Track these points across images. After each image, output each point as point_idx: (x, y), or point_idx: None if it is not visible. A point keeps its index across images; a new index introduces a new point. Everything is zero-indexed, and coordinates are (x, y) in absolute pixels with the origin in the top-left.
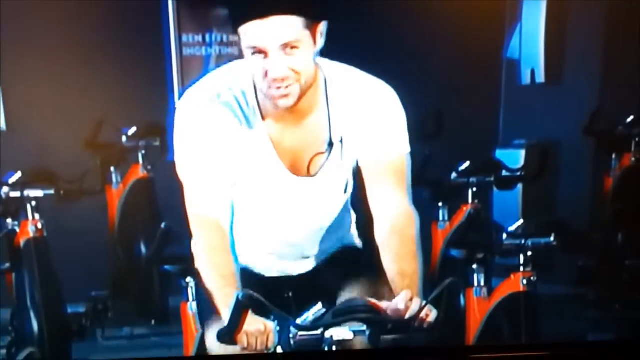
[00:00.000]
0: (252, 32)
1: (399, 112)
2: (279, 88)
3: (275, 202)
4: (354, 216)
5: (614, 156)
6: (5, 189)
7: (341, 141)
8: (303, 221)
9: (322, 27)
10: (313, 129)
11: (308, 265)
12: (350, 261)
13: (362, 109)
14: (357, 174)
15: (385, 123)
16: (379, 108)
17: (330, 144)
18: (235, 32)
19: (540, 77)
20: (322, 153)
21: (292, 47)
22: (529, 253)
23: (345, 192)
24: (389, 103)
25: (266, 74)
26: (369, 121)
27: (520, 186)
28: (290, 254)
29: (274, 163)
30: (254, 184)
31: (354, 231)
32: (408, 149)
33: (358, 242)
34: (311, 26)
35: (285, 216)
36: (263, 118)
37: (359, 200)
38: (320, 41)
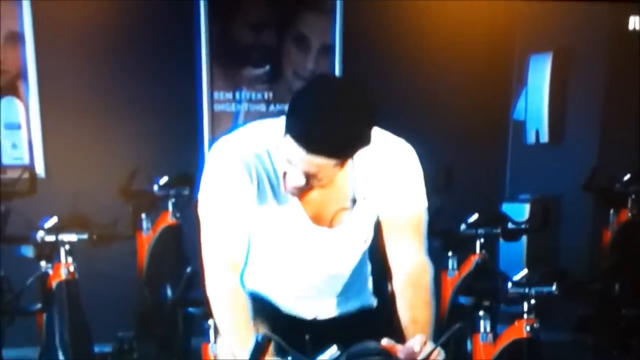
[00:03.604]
0: (294, 152)
1: (418, 170)
2: (294, 188)
3: (296, 249)
4: (369, 266)
5: (611, 211)
6: (41, 233)
7: (364, 199)
8: (322, 268)
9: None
10: (338, 185)
11: (326, 313)
12: (366, 321)
13: (384, 168)
14: (377, 226)
15: (406, 181)
16: (400, 167)
17: (354, 201)
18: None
19: (544, 137)
20: (346, 209)
21: (318, 179)
22: (532, 301)
23: (365, 242)
24: (409, 162)
25: (284, 174)
26: (390, 180)
27: (524, 238)
28: (309, 295)
29: (297, 214)
30: (275, 231)
31: (370, 286)
32: (426, 204)
33: (374, 302)
34: (343, 165)
35: (305, 262)
36: None
37: (375, 250)
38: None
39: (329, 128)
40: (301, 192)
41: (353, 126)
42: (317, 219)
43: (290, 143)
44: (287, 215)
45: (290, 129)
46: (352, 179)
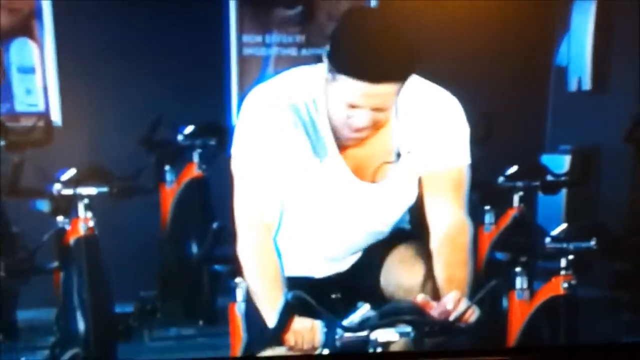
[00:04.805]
0: (356, 91)
1: (463, 124)
2: (355, 131)
3: (336, 206)
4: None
5: None
6: (58, 186)
7: (409, 152)
8: (362, 226)
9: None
10: (381, 138)
11: (355, 258)
12: (394, 240)
13: (428, 121)
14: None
15: (450, 135)
16: (444, 120)
17: (398, 155)
18: (331, 69)
19: (587, 85)
20: (390, 162)
21: (382, 110)
22: (570, 257)
23: (409, 199)
24: (454, 115)
25: (348, 118)
26: (434, 133)
27: (564, 191)
28: (343, 255)
29: (339, 167)
30: (315, 187)
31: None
32: (469, 160)
33: (407, 226)
34: (400, 92)
35: (345, 220)
36: (331, 125)
37: (414, 206)
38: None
39: (385, 51)
40: (363, 134)
41: (404, 43)
42: (359, 173)
43: (347, 83)
44: (328, 169)
45: (344, 68)
46: (396, 132)
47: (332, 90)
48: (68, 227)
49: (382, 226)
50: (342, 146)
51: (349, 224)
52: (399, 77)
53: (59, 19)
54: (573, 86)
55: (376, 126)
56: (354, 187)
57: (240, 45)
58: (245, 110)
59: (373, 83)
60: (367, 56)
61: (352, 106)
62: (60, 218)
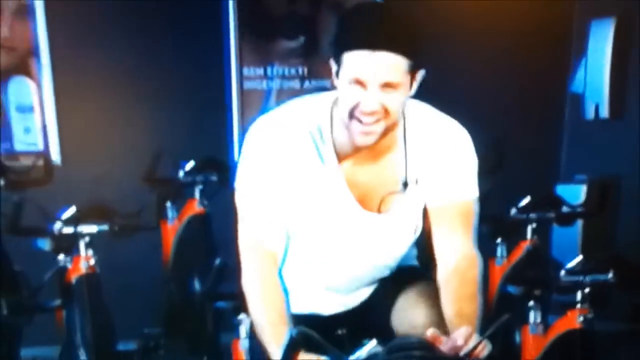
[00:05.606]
0: (359, 62)
1: (472, 156)
2: (365, 124)
3: (341, 236)
4: (415, 252)
5: None
6: (59, 224)
7: (416, 182)
8: (368, 258)
9: (420, 75)
10: (388, 167)
11: (364, 294)
12: (406, 278)
13: (437, 151)
14: (424, 214)
15: (458, 167)
16: (454, 151)
17: (405, 184)
18: (336, 57)
19: (604, 112)
20: (396, 192)
21: (391, 87)
22: (587, 290)
23: (415, 231)
24: (463, 147)
25: (357, 105)
26: (442, 164)
27: (580, 222)
28: (349, 288)
29: (344, 196)
30: (319, 217)
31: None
32: (477, 193)
33: (415, 263)
34: (413, 71)
35: (350, 251)
36: (337, 153)
37: (421, 238)
38: (415, 88)
39: (385, 21)
40: (369, 135)
41: (406, 19)
42: (365, 203)
43: (350, 58)
44: (333, 198)
45: (345, 42)
46: (403, 160)
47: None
48: (70, 266)
49: (389, 259)
50: (348, 176)
51: (355, 256)
52: (399, 47)
53: (56, 57)
54: (590, 114)
55: (386, 120)
56: (360, 218)
57: (241, 78)
58: (248, 142)
59: (373, 50)
60: (366, 25)
61: (359, 82)
62: (61, 256)
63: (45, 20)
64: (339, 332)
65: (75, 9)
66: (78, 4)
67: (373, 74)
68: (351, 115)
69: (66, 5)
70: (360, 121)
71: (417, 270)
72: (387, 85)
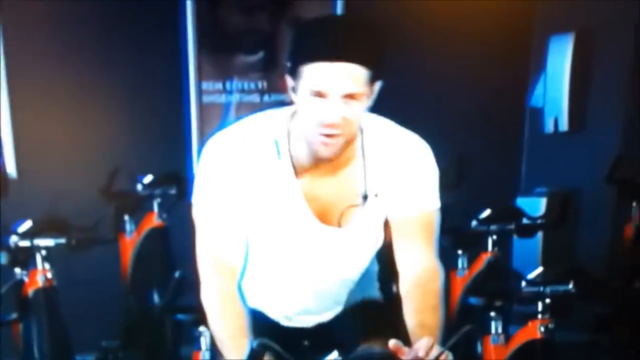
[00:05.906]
0: (320, 74)
1: (433, 167)
2: (327, 135)
3: (301, 252)
4: (376, 268)
5: (634, 204)
6: (15, 237)
7: (376, 195)
8: (329, 272)
9: (378, 85)
10: (348, 180)
11: (327, 316)
12: (370, 314)
13: (397, 163)
14: (385, 227)
15: (419, 179)
16: (414, 163)
17: (365, 197)
18: (294, 71)
19: (564, 126)
20: (356, 206)
21: (353, 98)
22: (547, 300)
23: (376, 244)
24: (423, 158)
25: (318, 117)
26: (402, 177)
27: (540, 234)
28: (312, 305)
29: (301, 211)
30: (278, 232)
31: (375, 283)
32: (438, 204)
33: (379, 295)
34: (372, 82)
35: (311, 266)
36: (295, 167)
37: (382, 252)
38: (372, 99)
39: (344, 31)
40: (330, 147)
41: (365, 30)
42: (324, 218)
43: (309, 70)
44: (291, 213)
45: (306, 55)
46: (362, 173)
47: (295, 124)
48: (26, 279)
49: (351, 273)
50: (306, 191)
51: (317, 270)
52: (359, 57)
53: (11, 69)
54: (550, 127)
55: (348, 131)
56: (319, 232)
57: (200, 92)
58: (205, 157)
59: (333, 60)
60: (326, 36)
61: (320, 94)
62: (18, 270)
63: (1, 32)
64: (305, 343)
65: (30, 22)
66: (33, 17)
67: (334, 85)
68: (313, 128)
69: (21, 19)
70: (321, 133)
71: (376, 302)
72: (348, 96)
